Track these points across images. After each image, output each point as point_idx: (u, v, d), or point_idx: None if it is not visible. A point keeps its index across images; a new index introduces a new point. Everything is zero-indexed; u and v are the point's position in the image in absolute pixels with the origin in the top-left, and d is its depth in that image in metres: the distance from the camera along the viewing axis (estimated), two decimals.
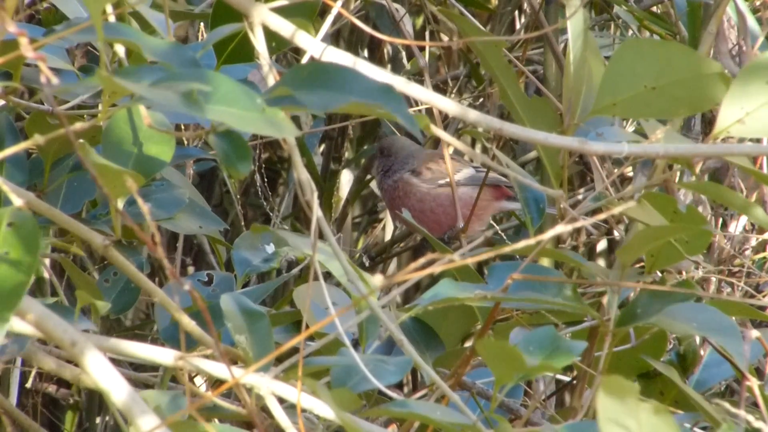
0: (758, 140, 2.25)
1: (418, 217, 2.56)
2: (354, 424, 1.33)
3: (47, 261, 2.40)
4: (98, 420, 3.09)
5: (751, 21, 2.23)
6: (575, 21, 1.63)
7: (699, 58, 1.57)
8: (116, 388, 1.22)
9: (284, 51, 2.91)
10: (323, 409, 1.39)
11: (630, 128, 2.62)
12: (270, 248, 1.99)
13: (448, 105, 1.47)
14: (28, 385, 2.88)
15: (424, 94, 1.47)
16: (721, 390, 2.25)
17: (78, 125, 1.29)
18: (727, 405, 1.55)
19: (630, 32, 2.92)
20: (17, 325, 1.46)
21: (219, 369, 1.43)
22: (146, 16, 1.73)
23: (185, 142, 2.60)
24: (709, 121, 2.34)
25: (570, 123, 1.65)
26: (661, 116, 1.65)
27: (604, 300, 1.70)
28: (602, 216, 1.43)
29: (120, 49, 1.77)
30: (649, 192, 1.65)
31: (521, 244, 1.35)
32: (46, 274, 2.47)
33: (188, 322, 1.41)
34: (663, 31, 2.54)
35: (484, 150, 3.28)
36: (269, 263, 1.99)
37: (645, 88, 1.59)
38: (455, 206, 2.53)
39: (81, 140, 1.29)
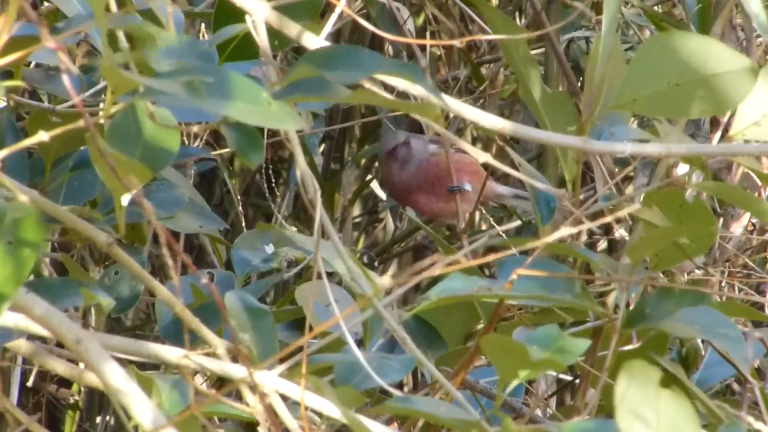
0: None
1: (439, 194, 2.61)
2: (360, 423, 1.32)
3: (47, 260, 2.40)
4: (98, 420, 3.09)
5: (756, 22, 2.22)
6: (609, 14, 1.58)
7: (728, 53, 1.53)
8: (123, 386, 1.22)
9: (285, 50, 2.91)
10: (328, 407, 1.39)
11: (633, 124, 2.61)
12: (269, 248, 1.99)
13: (455, 104, 1.47)
14: (29, 384, 2.88)
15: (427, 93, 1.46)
16: (722, 389, 2.25)
17: (90, 118, 1.28)
18: (727, 406, 1.54)
19: (630, 32, 2.92)
20: (20, 321, 1.46)
21: (222, 367, 1.43)
22: (157, 11, 1.73)
23: (186, 141, 2.59)
24: (713, 121, 2.33)
25: (588, 118, 1.62)
26: (682, 115, 1.60)
27: (608, 299, 1.70)
28: (609, 219, 1.42)
29: (124, 45, 1.77)
30: (653, 191, 1.64)
31: (532, 243, 1.34)
32: (46, 273, 2.46)
33: (192, 320, 1.40)
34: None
35: (485, 149, 3.27)
36: (269, 263, 1.99)
37: (668, 85, 1.55)
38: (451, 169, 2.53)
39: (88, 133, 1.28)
